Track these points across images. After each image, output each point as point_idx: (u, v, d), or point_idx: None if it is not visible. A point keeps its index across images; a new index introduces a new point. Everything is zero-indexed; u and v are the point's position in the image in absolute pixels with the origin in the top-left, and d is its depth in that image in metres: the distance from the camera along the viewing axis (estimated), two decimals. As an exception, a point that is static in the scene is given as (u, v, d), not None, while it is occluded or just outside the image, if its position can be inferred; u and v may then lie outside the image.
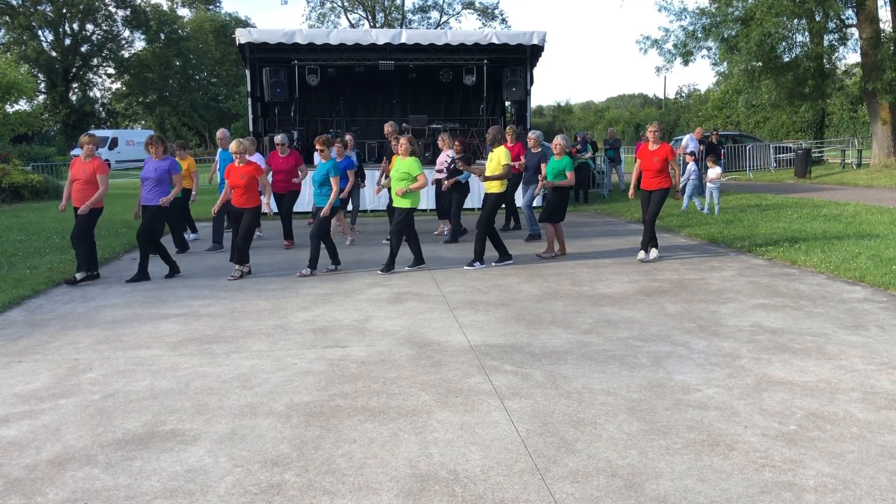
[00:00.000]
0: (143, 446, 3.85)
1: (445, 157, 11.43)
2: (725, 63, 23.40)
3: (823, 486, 3.28)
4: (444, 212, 11.95)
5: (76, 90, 55.83)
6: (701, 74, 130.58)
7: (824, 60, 22.90)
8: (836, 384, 4.59)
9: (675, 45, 23.52)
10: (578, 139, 18.94)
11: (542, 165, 10.74)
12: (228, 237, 11.07)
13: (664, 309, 6.67)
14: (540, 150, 11.06)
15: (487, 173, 9.07)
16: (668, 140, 29.37)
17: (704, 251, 9.99)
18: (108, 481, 3.46)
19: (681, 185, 17.20)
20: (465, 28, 57.26)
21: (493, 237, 9.16)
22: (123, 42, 56.22)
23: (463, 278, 8.35)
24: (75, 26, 53.45)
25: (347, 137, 12.14)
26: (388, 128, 11.81)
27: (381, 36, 15.68)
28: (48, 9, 51.02)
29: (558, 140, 9.74)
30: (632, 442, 3.79)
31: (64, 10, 51.38)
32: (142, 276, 8.54)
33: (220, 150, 11.22)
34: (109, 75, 57.63)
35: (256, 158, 10.97)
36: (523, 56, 16.37)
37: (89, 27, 54.43)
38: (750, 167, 25.48)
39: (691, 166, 14.66)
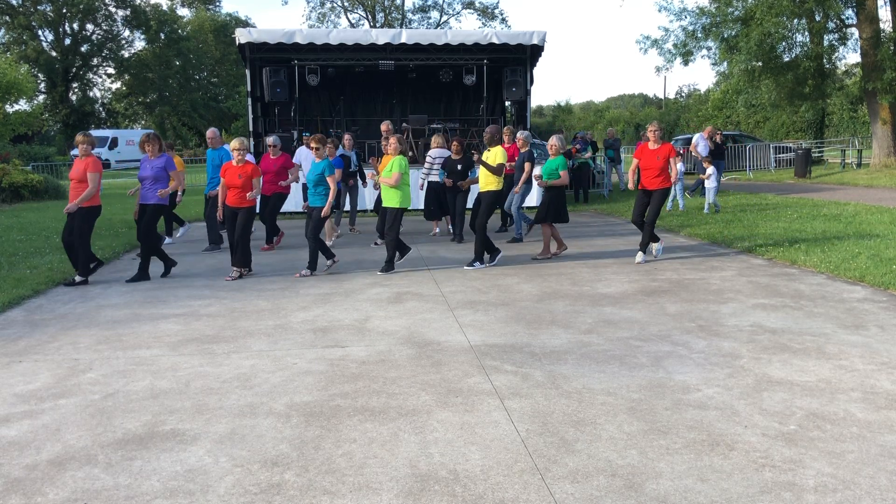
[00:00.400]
0: (143, 446, 3.85)
1: (429, 156, 11.58)
2: (725, 63, 23.40)
3: (823, 486, 3.28)
4: (434, 213, 11.95)
5: (76, 90, 55.86)
6: (701, 74, 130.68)
7: (824, 60, 22.90)
8: (836, 384, 4.59)
9: (675, 45, 23.51)
10: (578, 139, 18.94)
11: (527, 164, 10.80)
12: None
13: (664, 309, 6.67)
14: (527, 149, 11.07)
15: (483, 171, 9.14)
16: (668, 140, 29.36)
17: (704, 251, 9.99)
18: (108, 481, 3.46)
19: (692, 186, 17.22)
20: (465, 28, 57.31)
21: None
22: (123, 42, 56.27)
23: (463, 278, 8.35)
24: (75, 26, 53.49)
25: (346, 137, 12.14)
26: (384, 126, 11.82)
27: (381, 36, 15.67)
28: (48, 9, 51.04)
29: (553, 140, 9.73)
30: (632, 442, 3.79)
31: (64, 10, 51.41)
32: (142, 276, 8.54)
33: (208, 149, 11.10)
34: (109, 75, 57.67)
35: (248, 159, 10.96)
36: (523, 56, 16.37)
37: (89, 27, 54.47)
38: (750, 167, 25.48)
39: (710, 170, 14.39)
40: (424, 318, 6.52)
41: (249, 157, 10.96)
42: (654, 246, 9.31)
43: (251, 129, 16.08)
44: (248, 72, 16.16)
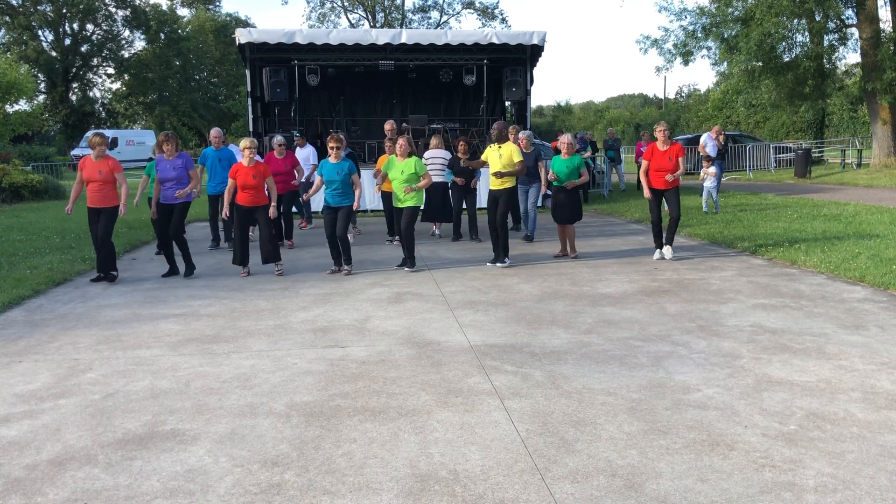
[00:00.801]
0: (143, 446, 3.85)
1: (424, 157, 11.61)
2: (725, 63, 23.40)
3: (823, 486, 3.28)
4: (435, 215, 11.94)
5: (76, 90, 55.84)
6: (701, 74, 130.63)
7: (824, 60, 22.90)
8: (836, 384, 4.59)
9: (675, 45, 23.52)
10: (578, 139, 18.95)
11: (540, 164, 10.75)
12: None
13: (664, 309, 6.67)
14: (532, 149, 11.07)
15: (498, 168, 8.91)
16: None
17: (704, 251, 9.99)
18: (108, 481, 3.46)
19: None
20: (465, 28, 57.31)
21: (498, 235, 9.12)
22: (123, 42, 56.23)
23: (463, 278, 8.35)
24: (75, 26, 53.47)
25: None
26: (389, 125, 11.81)
27: (381, 36, 15.68)
28: (48, 9, 51.03)
29: (568, 139, 9.66)
30: (632, 442, 3.79)
31: (64, 10, 51.39)
32: (190, 268, 8.71)
33: (210, 148, 11.00)
34: (109, 75, 57.64)
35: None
36: (523, 56, 16.38)
37: (89, 27, 54.44)
38: (750, 167, 25.48)
39: (712, 169, 14.36)
40: (424, 318, 6.52)
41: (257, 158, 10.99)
42: (667, 249, 9.35)
43: (251, 129, 16.08)
44: (248, 72, 16.17)
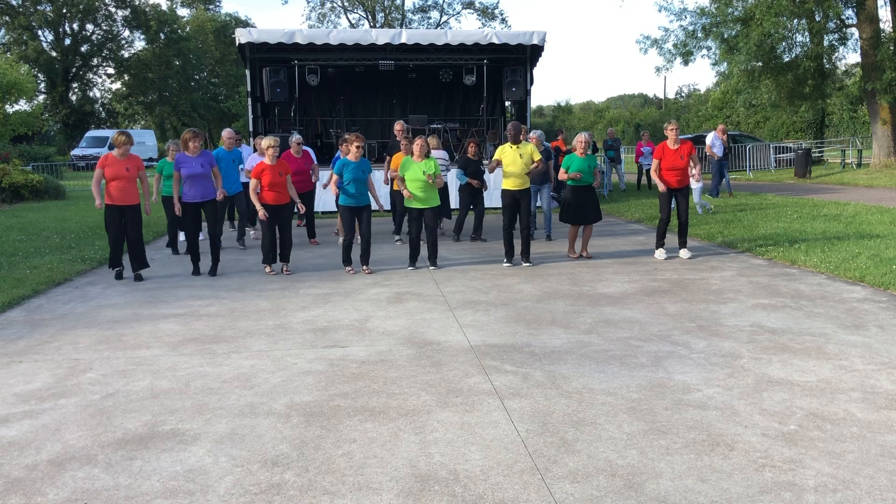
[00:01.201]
0: (143, 446, 3.85)
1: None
2: (725, 63, 23.40)
3: (823, 486, 3.28)
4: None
5: (76, 90, 55.87)
6: (701, 74, 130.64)
7: (824, 60, 22.90)
8: (836, 384, 4.59)
9: (675, 45, 23.53)
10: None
11: (549, 164, 10.84)
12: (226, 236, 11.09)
13: (664, 309, 6.67)
14: (543, 149, 11.14)
15: (517, 169, 8.86)
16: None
17: (704, 251, 9.99)
18: (108, 481, 3.46)
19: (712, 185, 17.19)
20: (465, 28, 57.32)
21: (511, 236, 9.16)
22: (123, 42, 56.26)
23: (463, 278, 8.35)
24: (75, 26, 53.49)
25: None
26: (399, 126, 11.80)
27: (381, 36, 15.66)
28: (48, 9, 51.04)
29: (585, 137, 9.63)
30: (632, 442, 3.79)
31: (64, 10, 51.41)
32: (214, 267, 8.84)
33: (222, 149, 10.99)
34: (109, 75, 57.66)
35: (255, 159, 10.97)
36: (523, 56, 16.37)
37: (89, 27, 54.47)
38: (750, 167, 25.48)
39: (697, 169, 14.42)
40: (424, 318, 6.52)
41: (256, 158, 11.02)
42: (661, 252, 9.41)
43: (251, 129, 16.07)
44: (248, 72, 16.16)
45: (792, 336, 5.69)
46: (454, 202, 13.33)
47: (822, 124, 36.59)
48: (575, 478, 3.41)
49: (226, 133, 11.26)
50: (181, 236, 11.77)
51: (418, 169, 8.78)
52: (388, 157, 11.81)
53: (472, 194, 11.30)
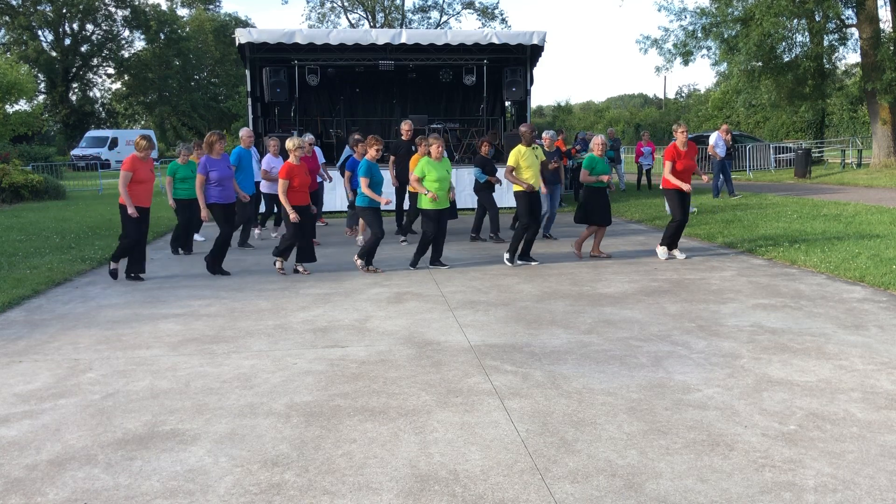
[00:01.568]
0: (143, 446, 3.85)
1: None
2: (725, 63, 23.41)
3: (823, 486, 3.28)
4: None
5: (76, 90, 55.88)
6: (701, 74, 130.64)
7: (824, 60, 22.90)
8: (836, 384, 4.59)
9: (674, 45, 23.54)
10: (579, 139, 18.94)
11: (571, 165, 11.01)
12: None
13: (664, 309, 6.67)
14: (554, 149, 11.26)
15: (535, 171, 8.96)
16: (667, 140, 29.35)
17: (704, 251, 9.99)
18: (108, 481, 3.46)
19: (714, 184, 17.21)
20: (465, 28, 57.30)
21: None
22: (123, 42, 56.29)
23: (463, 278, 8.35)
24: (75, 26, 53.51)
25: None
26: (406, 125, 11.80)
27: (381, 36, 15.67)
28: (48, 9, 51.06)
29: (602, 139, 9.70)
30: (632, 442, 3.79)
31: (64, 10, 51.42)
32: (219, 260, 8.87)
33: (240, 147, 10.77)
34: (109, 75, 57.69)
35: (270, 159, 10.96)
36: (523, 56, 16.38)
37: (89, 27, 54.49)
38: (750, 167, 25.48)
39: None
40: (424, 318, 6.52)
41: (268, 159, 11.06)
42: (664, 251, 9.41)
43: (251, 129, 16.06)
44: (247, 72, 16.17)
45: (792, 336, 5.69)
46: (471, 202, 13.45)
47: (822, 124, 36.60)
48: (575, 478, 3.41)
49: (245, 132, 11.15)
50: (198, 237, 11.77)
51: (441, 168, 8.83)
52: (391, 157, 11.82)
53: (490, 193, 11.34)
